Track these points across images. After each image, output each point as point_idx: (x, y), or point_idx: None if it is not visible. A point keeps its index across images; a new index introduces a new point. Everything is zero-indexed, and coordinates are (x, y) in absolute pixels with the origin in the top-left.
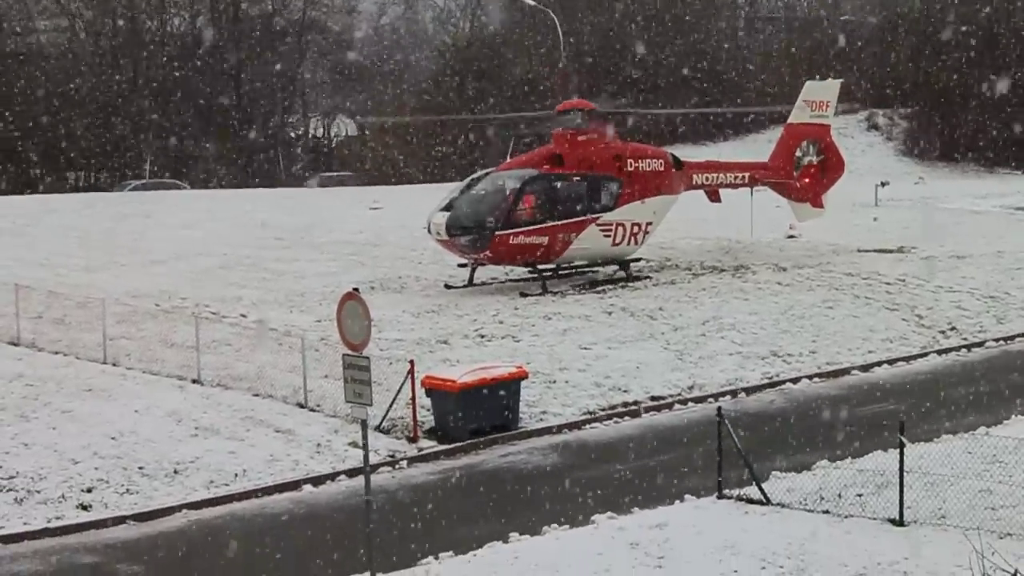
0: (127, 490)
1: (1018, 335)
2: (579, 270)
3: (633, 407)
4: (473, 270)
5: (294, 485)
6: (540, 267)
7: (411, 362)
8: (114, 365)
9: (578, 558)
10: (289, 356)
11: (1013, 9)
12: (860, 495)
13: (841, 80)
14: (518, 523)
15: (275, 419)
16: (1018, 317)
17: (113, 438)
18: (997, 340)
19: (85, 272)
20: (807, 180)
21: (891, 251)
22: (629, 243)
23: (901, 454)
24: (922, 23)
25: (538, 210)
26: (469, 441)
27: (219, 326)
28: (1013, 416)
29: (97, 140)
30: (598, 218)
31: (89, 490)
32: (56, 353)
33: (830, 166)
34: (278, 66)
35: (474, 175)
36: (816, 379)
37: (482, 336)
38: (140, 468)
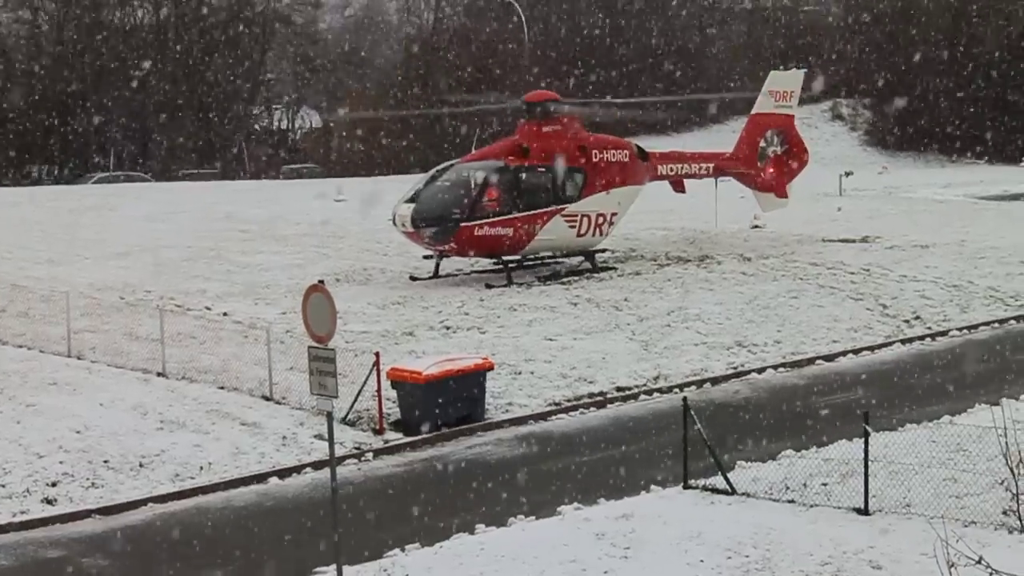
0: (92, 484)
1: (982, 324)
2: (544, 261)
3: (599, 398)
4: (438, 262)
5: (260, 478)
6: (505, 258)
7: (376, 354)
8: (78, 359)
9: (544, 549)
10: (254, 348)
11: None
12: (825, 484)
13: (805, 70)
14: (484, 514)
15: (241, 412)
16: (981, 306)
17: (78, 432)
18: (961, 329)
19: (49, 265)
20: (771, 170)
21: (855, 241)
22: (594, 234)
23: (866, 443)
24: (885, 15)
25: (503, 201)
26: (435, 433)
27: (184, 319)
28: (977, 405)
29: (60, 133)
30: (563, 209)
31: (54, 484)
32: (20, 347)
33: (794, 156)
34: (242, 59)
35: (439, 167)
36: (781, 369)
37: (448, 328)
38: (105, 462)
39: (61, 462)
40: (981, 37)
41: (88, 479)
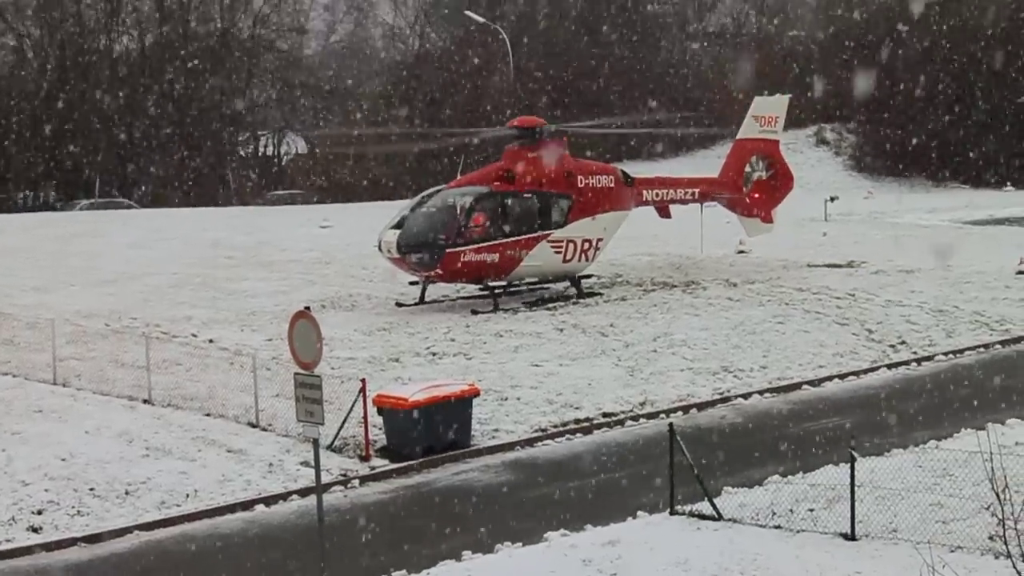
0: (78, 512)
1: (967, 349)
2: (530, 287)
3: (585, 424)
4: (424, 288)
5: (246, 505)
6: (491, 284)
7: (363, 380)
8: (64, 386)
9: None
10: (240, 375)
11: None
12: (812, 510)
13: (790, 95)
14: (471, 541)
15: (227, 439)
16: (967, 331)
17: (64, 459)
18: (946, 354)
19: (34, 292)
20: (757, 195)
21: (841, 266)
22: (580, 259)
23: (852, 468)
24: (869, 41)
25: (489, 227)
26: (421, 459)
27: (170, 346)
28: (963, 429)
29: (45, 159)
30: (549, 235)
31: (40, 512)
32: (5, 374)
33: (779, 181)
34: (227, 85)
35: (425, 192)
36: (767, 394)
37: (434, 354)
38: (91, 489)
39: (46, 490)
40: (963, 63)
41: (74, 507)
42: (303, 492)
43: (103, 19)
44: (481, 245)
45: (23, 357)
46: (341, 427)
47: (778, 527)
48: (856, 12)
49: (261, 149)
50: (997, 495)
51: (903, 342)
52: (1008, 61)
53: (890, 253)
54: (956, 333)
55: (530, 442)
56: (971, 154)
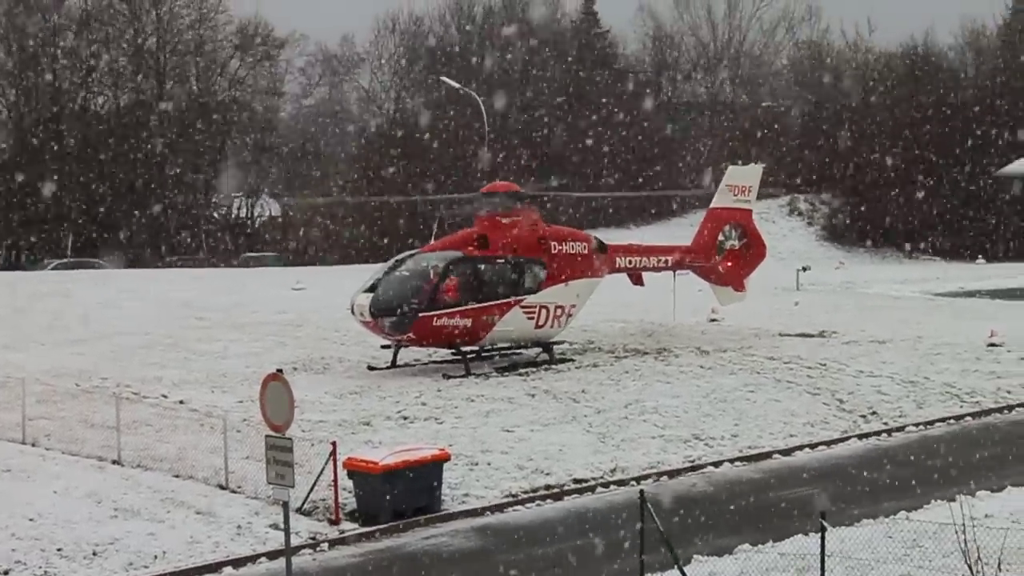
0: (45, 572)
1: (938, 420)
2: (502, 352)
3: (556, 490)
4: (396, 351)
5: (214, 567)
6: (464, 349)
7: (333, 444)
8: (33, 445)
9: None
10: (210, 437)
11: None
12: None
13: (763, 165)
14: None
15: (196, 500)
16: (938, 402)
17: (31, 519)
18: (917, 425)
19: (4, 351)
20: (729, 264)
21: (812, 335)
22: (552, 325)
23: (822, 538)
24: (842, 116)
25: (462, 292)
26: (391, 523)
27: (140, 406)
28: (933, 501)
29: (18, 219)
30: (522, 300)
31: (6, 572)
32: None
33: (752, 250)
34: (201, 146)
35: (398, 256)
36: (738, 463)
37: (405, 418)
38: (59, 550)
39: (13, 549)
40: (937, 137)
41: (41, 567)
42: (272, 555)
43: (79, 79)
44: (454, 310)
45: None
46: (311, 490)
47: None
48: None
49: (234, 211)
50: (970, 567)
51: (874, 412)
52: (981, 136)
53: (862, 323)
54: (927, 404)
55: (500, 507)
56: (943, 226)
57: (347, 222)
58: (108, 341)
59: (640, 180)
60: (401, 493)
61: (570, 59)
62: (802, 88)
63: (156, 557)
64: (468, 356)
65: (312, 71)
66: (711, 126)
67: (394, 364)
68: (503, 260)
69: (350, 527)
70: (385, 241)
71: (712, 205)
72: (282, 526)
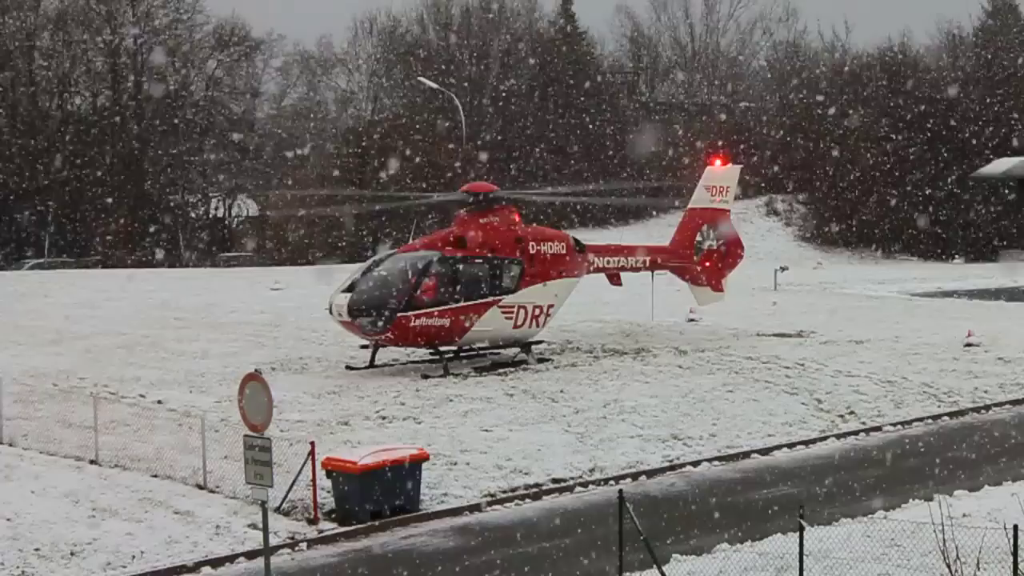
0: (23, 572)
1: (915, 420)
2: (481, 352)
3: (534, 489)
4: (375, 351)
5: (193, 568)
6: (442, 349)
7: (312, 443)
8: (10, 445)
9: None
10: (188, 437)
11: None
12: None
13: (741, 165)
14: None
15: (174, 500)
16: (915, 402)
17: (8, 519)
18: (895, 424)
19: None
20: (707, 264)
21: (791, 335)
22: (530, 325)
23: (801, 537)
24: (819, 115)
25: (440, 292)
26: (370, 523)
27: (118, 406)
28: (911, 500)
29: None
30: (500, 300)
31: None
32: None
33: (730, 250)
34: (179, 146)
35: (376, 256)
36: (716, 462)
37: (383, 418)
38: (36, 550)
39: None
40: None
41: (18, 567)
42: (250, 555)
43: (56, 79)
44: (432, 310)
45: None
46: (289, 490)
47: None
48: (807, 87)
49: (212, 211)
50: (948, 566)
51: (852, 412)
52: (959, 137)
53: (840, 323)
54: (904, 404)
55: (479, 507)
56: (920, 227)
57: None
58: (86, 341)
59: (618, 181)
60: (380, 493)
61: (548, 59)
62: (779, 88)
63: (134, 557)
64: (447, 356)
65: (289, 70)
66: (688, 126)
67: (372, 364)
68: (481, 260)
69: (329, 527)
70: (360, 241)
71: (690, 205)
72: (260, 526)
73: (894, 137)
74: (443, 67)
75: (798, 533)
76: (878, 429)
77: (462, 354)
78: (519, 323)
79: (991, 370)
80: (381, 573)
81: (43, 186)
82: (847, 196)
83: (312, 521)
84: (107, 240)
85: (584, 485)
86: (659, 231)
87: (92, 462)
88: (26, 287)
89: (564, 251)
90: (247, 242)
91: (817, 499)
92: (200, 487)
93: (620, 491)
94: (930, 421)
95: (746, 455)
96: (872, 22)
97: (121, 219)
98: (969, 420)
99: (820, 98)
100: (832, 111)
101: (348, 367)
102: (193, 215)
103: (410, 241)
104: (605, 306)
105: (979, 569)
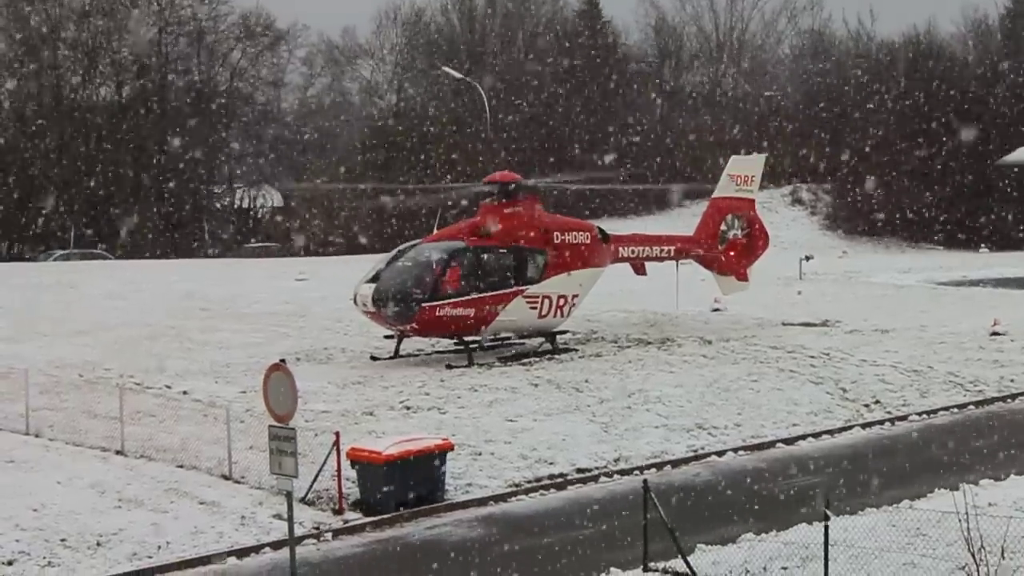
0: (49, 563)
1: (941, 409)
2: (505, 342)
3: (559, 479)
4: (399, 342)
5: (218, 557)
6: (467, 339)
7: (336, 434)
8: (36, 436)
9: None
10: (214, 427)
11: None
12: (785, 568)
13: (766, 155)
14: None
15: (199, 491)
16: (941, 391)
17: (35, 510)
18: (920, 414)
19: (8, 343)
20: (732, 254)
21: (816, 325)
22: (555, 315)
23: (826, 527)
24: (842, 103)
25: (464, 282)
26: (394, 513)
27: (143, 397)
28: (936, 490)
29: (20, 210)
30: (524, 290)
31: (10, 563)
32: None
33: (755, 240)
34: (204, 137)
35: (401, 247)
36: (741, 452)
37: (408, 408)
38: (62, 540)
39: (17, 540)
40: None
41: (45, 558)
42: (276, 545)
43: (81, 70)
44: (456, 300)
45: None
46: (314, 480)
47: None
48: (832, 75)
49: (237, 202)
50: (973, 555)
51: (877, 402)
52: (985, 124)
53: (865, 312)
54: (930, 393)
55: (503, 497)
56: (946, 215)
57: (347, 215)
58: (111, 332)
59: (643, 171)
60: (404, 483)
61: (572, 48)
62: (804, 77)
63: (160, 547)
64: (471, 346)
65: (314, 61)
66: (714, 116)
67: (397, 354)
68: (505, 250)
69: (354, 517)
70: (385, 232)
71: (715, 195)
72: (285, 516)
73: (920, 125)
74: (467, 57)
75: (823, 523)
76: (904, 419)
77: (487, 344)
78: (544, 313)
79: (1017, 359)
80: (406, 563)
81: (68, 178)
82: (872, 185)
83: (337, 511)
84: (133, 231)
85: (609, 475)
86: (683, 221)
87: (118, 453)
88: (51, 278)
89: (589, 241)
90: (272, 233)
91: (842, 489)
92: (225, 477)
93: (645, 481)
94: (956, 410)
95: (771, 445)
96: (897, 10)
97: (146, 210)
98: (995, 409)
99: (845, 87)
100: (857, 99)
101: (373, 357)
102: (218, 206)
103: (435, 231)
104: (630, 296)
105: (1003, 558)
